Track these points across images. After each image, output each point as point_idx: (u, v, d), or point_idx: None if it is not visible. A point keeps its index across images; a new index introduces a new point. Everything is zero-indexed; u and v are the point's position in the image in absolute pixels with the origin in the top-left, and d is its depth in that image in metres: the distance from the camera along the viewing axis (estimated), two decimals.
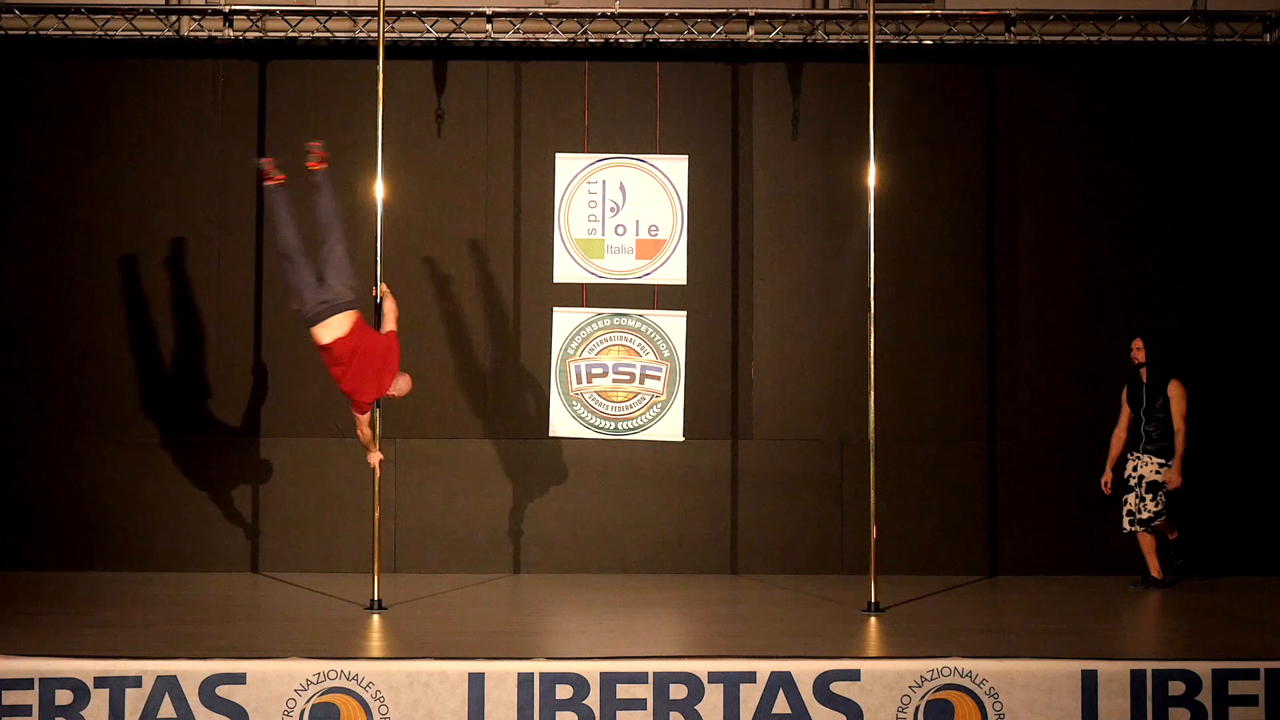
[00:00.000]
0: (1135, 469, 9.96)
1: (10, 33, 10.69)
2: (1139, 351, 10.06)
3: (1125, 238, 10.89)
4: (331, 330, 8.69)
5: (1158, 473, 9.88)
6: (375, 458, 9.07)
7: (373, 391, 8.86)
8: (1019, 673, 7.08)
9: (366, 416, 8.94)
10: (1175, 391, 9.93)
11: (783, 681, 7.04)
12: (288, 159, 10.84)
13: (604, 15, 10.79)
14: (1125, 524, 9.95)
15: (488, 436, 10.79)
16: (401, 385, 8.99)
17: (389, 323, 9.00)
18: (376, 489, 9.12)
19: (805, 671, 7.06)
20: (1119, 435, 10.11)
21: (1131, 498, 9.93)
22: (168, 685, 6.93)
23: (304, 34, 10.82)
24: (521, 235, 10.90)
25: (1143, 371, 10.04)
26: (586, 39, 10.85)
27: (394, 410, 10.16)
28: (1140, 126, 10.94)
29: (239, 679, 6.96)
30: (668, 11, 10.80)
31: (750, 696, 7.04)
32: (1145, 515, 9.85)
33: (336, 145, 10.74)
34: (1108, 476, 10.10)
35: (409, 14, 10.75)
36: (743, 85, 10.98)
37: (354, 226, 10.57)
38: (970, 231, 10.94)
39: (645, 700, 7.03)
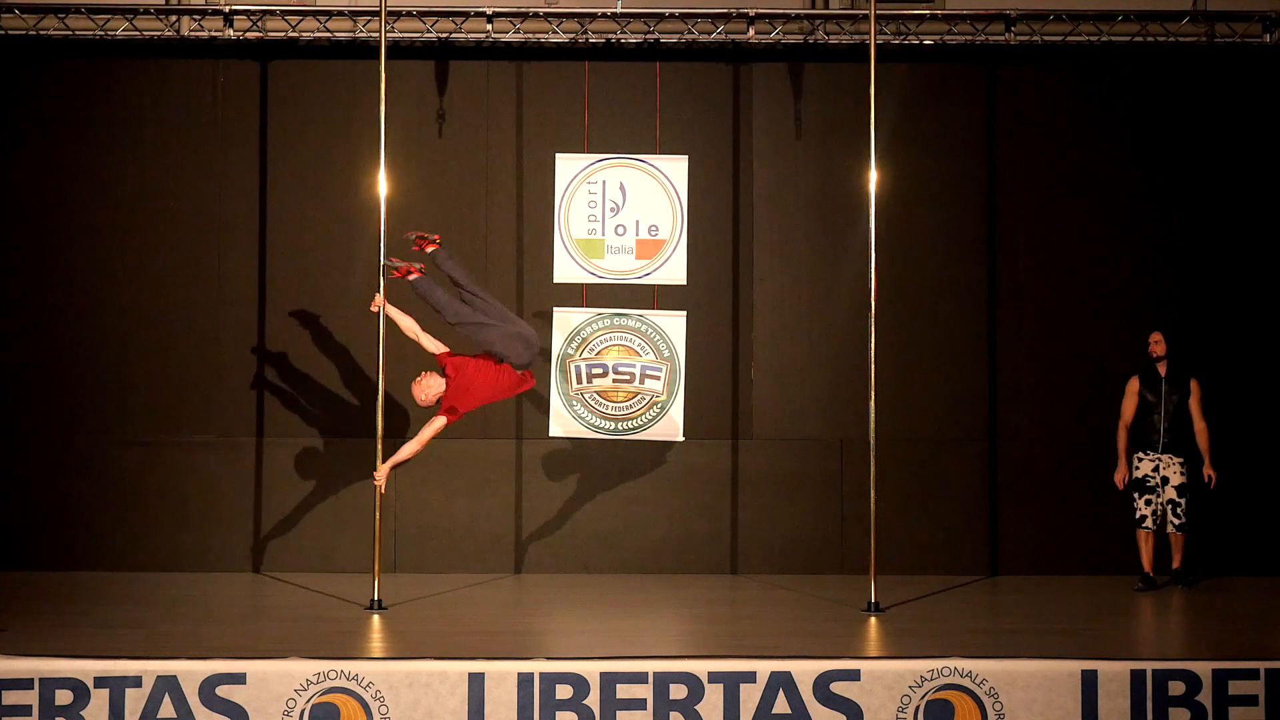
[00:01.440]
0: (1157, 469, 9.91)
1: (10, 33, 10.69)
2: (1159, 345, 9.97)
3: (1125, 237, 10.89)
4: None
5: (1182, 474, 9.87)
6: (384, 472, 9.01)
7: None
8: (1019, 673, 7.08)
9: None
10: (1197, 388, 9.92)
11: (783, 681, 7.04)
12: (288, 159, 10.91)
13: (604, 15, 10.79)
14: (1150, 522, 9.87)
15: (487, 436, 10.79)
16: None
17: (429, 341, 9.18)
18: (378, 490, 9.11)
19: (805, 671, 7.06)
20: (1127, 425, 10.01)
21: (1153, 498, 9.90)
22: (168, 685, 6.93)
23: (304, 34, 10.82)
24: (521, 235, 10.90)
25: (1160, 365, 9.99)
26: (587, 39, 10.85)
27: (394, 410, 10.17)
28: (1140, 126, 10.94)
29: (239, 679, 6.96)
30: (668, 11, 10.80)
31: (750, 696, 7.04)
32: (1183, 519, 9.84)
33: (337, 145, 10.80)
34: (1124, 472, 9.99)
35: (409, 14, 10.75)
36: (743, 85, 10.98)
37: (356, 226, 10.62)
38: (970, 231, 10.94)
39: (645, 700, 7.03)
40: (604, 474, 10.82)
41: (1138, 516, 9.92)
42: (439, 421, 8.85)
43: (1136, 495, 9.94)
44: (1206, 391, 10.16)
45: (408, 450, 8.90)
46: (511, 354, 8.97)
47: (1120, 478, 10.02)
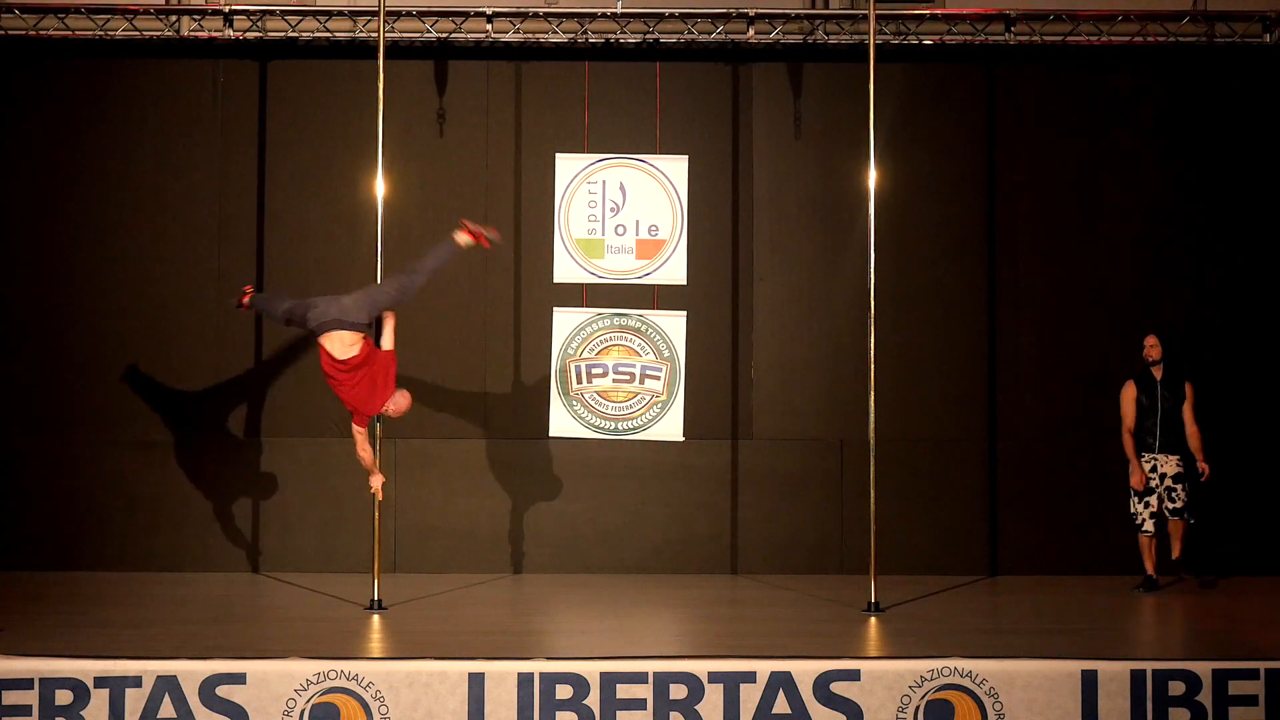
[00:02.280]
0: (1155, 468, 9.87)
1: (10, 33, 10.69)
2: (1154, 348, 9.92)
3: (1125, 237, 10.90)
4: (340, 345, 8.46)
5: (1178, 465, 9.85)
6: (377, 480, 8.93)
7: (370, 408, 8.67)
8: (1019, 673, 7.08)
9: (365, 433, 8.69)
10: (1191, 392, 9.91)
11: (783, 681, 7.04)
12: (288, 159, 10.92)
13: (604, 15, 10.79)
14: (1149, 524, 9.81)
15: (488, 436, 10.79)
16: (400, 402, 8.71)
17: (388, 340, 8.69)
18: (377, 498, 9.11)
19: (805, 671, 7.05)
20: (1130, 430, 9.89)
21: (1152, 499, 9.85)
22: (168, 685, 6.93)
23: (304, 34, 10.83)
24: (521, 235, 10.90)
25: (1156, 369, 9.97)
26: (586, 39, 10.85)
27: None
28: (1140, 126, 10.94)
29: (239, 679, 6.95)
30: (668, 11, 10.81)
31: (750, 696, 7.03)
32: (1179, 504, 9.79)
33: (337, 145, 10.81)
34: (1140, 470, 9.83)
35: (409, 14, 10.75)
36: (743, 85, 10.98)
37: (354, 226, 10.62)
38: (970, 231, 10.94)
39: (645, 700, 7.03)
40: (604, 474, 10.82)
41: (1137, 521, 9.89)
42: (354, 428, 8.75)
43: (1136, 499, 9.91)
44: (1208, 391, 10.16)
45: (363, 456, 8.81)
46: (314, 315, 8.56)
47: (1139, 479, 9.87)
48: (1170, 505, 9.83)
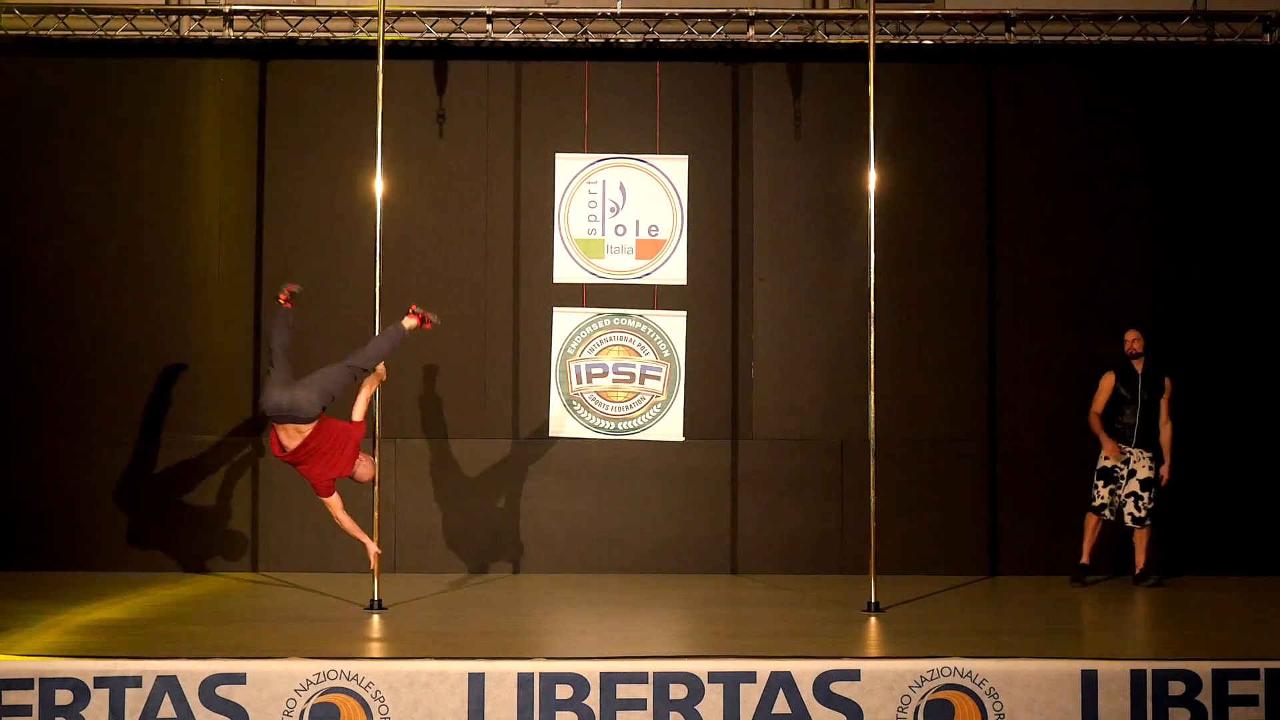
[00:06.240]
0: (1127, 461, 9.98)
1: (10, 33, 10.69)
2: (1136, 341, 10.07)
3: (1125, 238, 10.90)
4: (287, 435, 8.48)
5: (1150, 468, 9.93)
6: (372, 550, 8.91)
7: (327, 481, 8.64)
8: (1019, 673, 7.08)
9: (337, 500, 8.67)
10: (1170, 387, 10.01)
11: (783, 681, 7.03)
12: (288, 159, 10.91)
13: (604, 15, 10.79)
14: (1108, 512, 9.98)
15: (488, 436, 10.79)
16: (363, 471, 8.73)
17: (359, 411, 8.68)
18: (376, 489, 9.12)
19: (805, 671, 7.05)
20: (1098, 413, 10.08)
21: (1115, 489, 9.95)
22: (168, 685, 6.93)
23: (304, 34, 10.83)
24: (521, 235, 10.90)
25: (1137, 363, 10.04)
26: (586, 39, 10.85)
27: (394, 410, 10.19)
28: (1140, 127, 10.94)
29: (239, 679, 6.95)
30: (668, 11, 10.81)
31: (750, 696, 7.03)
32: (1143, 513, 9.92)
33: (337, 145, 10.81)
34: (1112, 445, 10.00)
35: (409, 14, 10.75)
36: (743, 85, 10.98)
37: (354, 226, 10.61)
38: (970, 231, 10.94)
39: (645, 700, 7.03)
40: (604, 474, 10.82)
41: (1096, 504, 10.04)
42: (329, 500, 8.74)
43: (1100, 483, 10.03)
44: (1200, 392, 10.20)
45: (344, 522, 8.79)
46: (266, 398, 8.51)
47: (1112, 450, 10.00)
48: (1134, 513, 9.89)
